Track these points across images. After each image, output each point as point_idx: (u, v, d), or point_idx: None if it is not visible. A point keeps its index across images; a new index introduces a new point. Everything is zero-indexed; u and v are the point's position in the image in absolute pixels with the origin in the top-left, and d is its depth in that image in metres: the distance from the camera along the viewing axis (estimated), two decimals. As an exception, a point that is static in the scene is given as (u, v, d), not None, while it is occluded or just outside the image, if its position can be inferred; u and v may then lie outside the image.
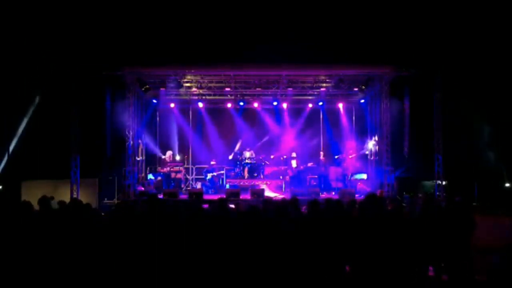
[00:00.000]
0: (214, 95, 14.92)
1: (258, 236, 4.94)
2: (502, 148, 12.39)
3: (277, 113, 15.80)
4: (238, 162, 14.49)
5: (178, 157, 14.98)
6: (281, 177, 14.08)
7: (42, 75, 12.01)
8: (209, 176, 13.90)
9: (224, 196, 9.99)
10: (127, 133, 12.21)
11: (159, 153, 15.05)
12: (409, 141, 12.64)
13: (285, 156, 14.61)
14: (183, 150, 15.68)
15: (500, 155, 12.38)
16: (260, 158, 14.53)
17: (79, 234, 4.87)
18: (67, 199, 10.01)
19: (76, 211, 5.59)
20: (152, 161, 14.97)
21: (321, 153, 14.52)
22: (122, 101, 12.31)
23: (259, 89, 14.26)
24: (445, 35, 11.75)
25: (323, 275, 4.99)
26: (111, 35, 11.70)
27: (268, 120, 15.84)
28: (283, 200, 7.22)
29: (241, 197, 11.34)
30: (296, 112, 15.89)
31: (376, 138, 13.17)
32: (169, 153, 14.39)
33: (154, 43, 11.91)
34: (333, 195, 12.46)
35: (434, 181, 11.73)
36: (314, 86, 13.97)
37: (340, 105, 15.66)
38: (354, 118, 15.88)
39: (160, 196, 11.16)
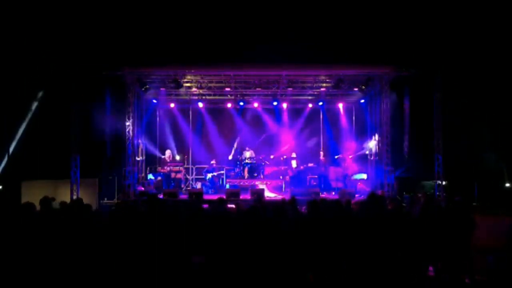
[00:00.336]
0: (214, 95, 14.93)
1: (257, 236, 4.94)
2: (502, 148, 12.39)
3: (277, 113, 15.81)
4: (238, 162, 14.50)
5: (178, 157, 14.98)
6: (281, 177, 14.08)
7: (42, 75, 12.01)
8: (209, 176, 13.90)
9: (224, 196, 9.98)
10: (127, 133, 12.21)
11: (159, 153, 15.06)
12: (409, 141, 12.65)
13: (285, 156, 14.62)
14: (183, 150, 15.68)
15: (500, 155, 12.38)
16: (260, 158, 14.53)
17: (80, 234, 4.87)
18: (67, 199, 10.04)
19: (77, 211, 5.59)
20: (152, 161, 14.97)
21: (321, 153, 14.53)
22: (122, 101, 12.31)
23: (259, 89, 14.25)
24: (445, 35, 11.74)
25: (323, 274, 4.99)
26: (111, 35, 11.70)
27: (268, 120, 15.85)
28: (281, 200, 7.22)
29: (241, 197, 11.33)
30: (296, 112, 15.90)
31: (377, 137, 13.17)
32: (168, 152, 14.39)
33: (154, 43, 11.91)
34: (333, 195, 12.47)
35: (434, 181, 11.73)
36: (314, 86, 13.97)
37: (340, 105, 15.67)
38: (354, 118, 15.88)
39: (160, 196, 11.16)
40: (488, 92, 12.04)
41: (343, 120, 15.81)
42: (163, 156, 14.54)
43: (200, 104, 15.10)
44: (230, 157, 15.22)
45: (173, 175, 13.77)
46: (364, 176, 13.58)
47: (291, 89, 14.09)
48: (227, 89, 14.30)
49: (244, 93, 14.64)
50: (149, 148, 14.66)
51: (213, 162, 14.36)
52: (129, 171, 11.98)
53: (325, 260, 4.98)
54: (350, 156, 13.99)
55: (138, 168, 13.41)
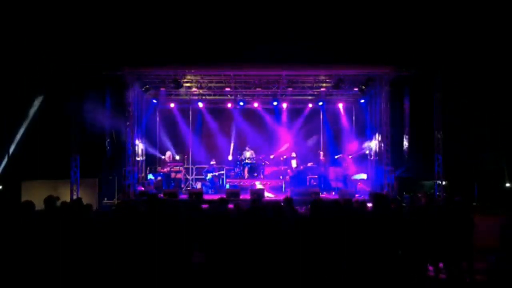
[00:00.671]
0: (214, 95, 14.93)
1: (257, 236, 4.94)
2: (502, 148, 12.39)
3: (277, 113, 15.81)
4: (238, 162, 14.50)
5: (178, 157, 14.99)
6: (281, 177, 14.08)
7: (43, 75, 12.00)
8: (209, 176, 13.90)
9: (224, 196, 9.99)
10: (127, 133, 12.21)
11: (159, 153, 15.06)
12: (409, 141, 12.64)
13: (285, 156, 14.62)
14: (183, 150, 15.68)
15: (500, 155, 12.38)
16: (260, 158, 14.54)
17: (80, 234, 4.87)
18: (67, 199, 10.05)
19: (77, 211, 5.59)
20: (152, 161, 14.97)
21: (321, 153, 14.53)
22: (122, 101, 12.30)
23: (259, 89, 14.26)
24: (445, 35, 11.73)
25: (322, 274, 4.99)
26: (111, 35, 11.68)
27: (268, 120, 15.85)
28: (277, 201, 7.21)
29: (241, 197, 11.34)
30: (296, 112, 15.90)
31: (379, 137, 13.16)
32: (168, 153, 14.40)
33: (154, 43, 11.89)
34: (333, 195, 12.48)
35: (434, 181, 11.73)
36: (314, 86, 13.97)
37: (340, 105, 15.67)
38: (354, 118, 15.88)
39: (160, 196, 11.16)
40: (488, 92, 12.04)
41: (343, 120, 15.81)
42: (163, 157, 14.54)
43: (200, 104, 15.10)
44: (230, 157, 15.22)
45: (173, 175, 13.77)
46: (364, 176, 13.58)
47: (291, 89, 14.09)
48: (227, 89, 14.31)
49: (244, 93, 14.64)
50: (149, 148, 14.66)
51: (213, 162, 14.36)
52: (129, 171, 11.98)
53: (325, 260, 4.98)
54: (350, 156, 13.99)
55: (138, 168, 13.40)
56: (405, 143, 12.75)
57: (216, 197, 9.09)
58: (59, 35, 11.54)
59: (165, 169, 13.79)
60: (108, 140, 12.83)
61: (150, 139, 14.87)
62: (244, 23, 12.03)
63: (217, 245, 4.96)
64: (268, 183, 13.82)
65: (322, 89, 14.07)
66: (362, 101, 14.59)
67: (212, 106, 15.76)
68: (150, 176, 13.85)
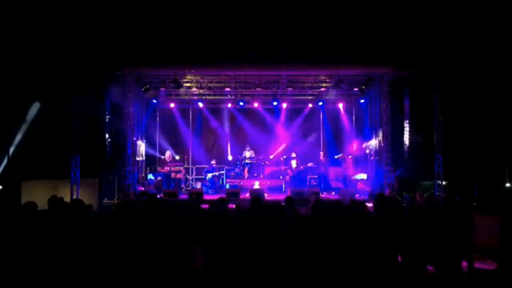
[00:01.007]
0: (214, 95, 14.93)
1: (257, 236, 4.94)
2: (502, 148, 12.39)
3: (277, 113, 15.81)
4: (238, 162, 14.50)
5: (177, 157, 14.99)
6: (281, 177, 14.09)
7: (42, 75, 12.00)
8: (209, 176, 13.91)
9: (224, 196, 9.99)
10: (127, 133, 12.21)
11: (159, 153, 15.06)
12: (409, 141, 12.64)
13: (285, 156, 14.62)
14: (183, 150, 15.69)
15: (500, 155, 12.38)
16: (260, 158, 14.54)
17: (80, 233, 4.87)
18: (67, 199, 10.02)
19: (77, 211, 5.59)
20: (152, 161, 14.98)
21: (321, 153, 14.54)
22: (122, 101, 12.31)
23: (259, 89, 14.26)
24: (445, 35, 11.73)
25: (322, 274, 4.99)
26: (111, 35, 11.68)
27: (268, 120, 15.86)
28: (278, 201, 7.21)
29: (241, 197, 11.34)
30: (296, 112, 15.91)
31: (380, 137, 13.16)
32: (168, 153, 14.41)
33: (154, 43, 11.89)
34: (333, 195, 12.48)
35: (434, 181, 11.73)
36: (314, 86, 13.97)
37: (340, 105, 15.68)
38: (354, 118, 15.89)
39: (160, 196, 11.16)
40: (488, 92, 12.03)
41: (343, 120, 15.82)
42: (163, 156, 14.54)
43: (200, 104, 15.10)
44: (230, 157, 15.22)
45: (173, 175, 13.77)
46: (364, 176, 13.58)
47: (291, 89, 14.10)
48: (227, 89, 14.31)
49: (244, 93, 14.64)
50: (149, 148, 14.66)
51: (213, 162, 14.37)
52: (129, 171, 11.98)
53: (325, 260, 4.98)
54: (350, 156, 13.98)
55: (138, 168, 13.41)
56: (405, 143, 12.74)
57: (216, 197, 9.08)
58: (59, 35, 11.53)
59: (165, 169, 13.80)
60: (108, 140, 12.83)
61: (150, 139, 14.87)
62: (244, 23, 12.03)
63: (217, 245, 4.96)
64: (268, 183, 13.83)
65: (322, 89, 14.07)
66: (362, 101, 14.59)
67: (212, 106, 15.76)
68: (150, 176, 13.86)
